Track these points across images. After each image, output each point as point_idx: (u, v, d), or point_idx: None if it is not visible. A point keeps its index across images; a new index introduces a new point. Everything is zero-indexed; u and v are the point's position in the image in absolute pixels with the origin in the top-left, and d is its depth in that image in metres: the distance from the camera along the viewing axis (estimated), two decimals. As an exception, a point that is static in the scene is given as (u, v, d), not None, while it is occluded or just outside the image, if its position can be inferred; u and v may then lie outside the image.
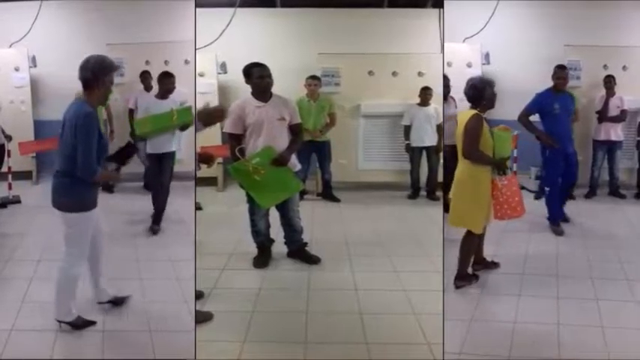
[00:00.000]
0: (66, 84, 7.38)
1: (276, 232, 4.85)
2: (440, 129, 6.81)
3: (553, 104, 5.31)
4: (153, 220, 5.58)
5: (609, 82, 6.77)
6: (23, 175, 7.27)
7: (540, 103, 5.38)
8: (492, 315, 3.86)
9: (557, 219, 5.48)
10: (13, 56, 7.57)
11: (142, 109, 5.56)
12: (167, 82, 5.46)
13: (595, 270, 4.52)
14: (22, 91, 7.58)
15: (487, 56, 7.64)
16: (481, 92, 4.00)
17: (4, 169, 6.63)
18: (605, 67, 7.02)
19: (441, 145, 6.81)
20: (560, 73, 5.39)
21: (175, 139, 5.54)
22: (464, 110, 4.13)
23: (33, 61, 7.69)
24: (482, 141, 3.93)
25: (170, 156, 5.52)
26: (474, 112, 3.99)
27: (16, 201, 6.55)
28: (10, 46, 7.64)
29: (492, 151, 4.00)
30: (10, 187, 6.64)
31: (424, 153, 7.05)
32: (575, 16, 7.45)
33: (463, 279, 4.19)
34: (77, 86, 6.83)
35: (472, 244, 4.18)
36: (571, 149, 5.43)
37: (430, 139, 6.96)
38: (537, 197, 6.35)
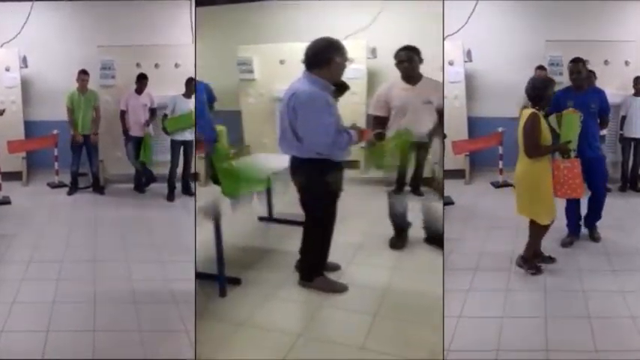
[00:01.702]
0: (57, 84, 7.52)
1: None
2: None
3: (566, 102, 4.79)
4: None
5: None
6: (13, 176, 7.19)
7: (556, 102, 4.78)
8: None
9: None
10: (4, 56, 7.50)
11: (171, 106, 6.64)
12: (192, 85, 6.41)
13: (583, 263, 4.58)
14: (12, 91, 7.49)
15: (469, 54, 7.52)
16: (541, 92, 4.12)
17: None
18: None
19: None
20: (573, 67, 4.88)
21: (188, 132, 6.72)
22: (525, 109, 4.21)
23: (24, 62, 7.60)
24: (541, 137, 4.08)
25: (191, 144, 6.74)
26: (532, 110, 4.11)
27: (6, 202, 6.48)
28: (1, 46, 7.58)
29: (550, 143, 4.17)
30: (-1, 188, 6.60)
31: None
32: (556, 11, 7.41)
33: (525, 262, 4.33)
34: (68, 86, 7.02)
35: (538, 232, 4.30)
36: (590, 153, 4.75)
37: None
38: None
